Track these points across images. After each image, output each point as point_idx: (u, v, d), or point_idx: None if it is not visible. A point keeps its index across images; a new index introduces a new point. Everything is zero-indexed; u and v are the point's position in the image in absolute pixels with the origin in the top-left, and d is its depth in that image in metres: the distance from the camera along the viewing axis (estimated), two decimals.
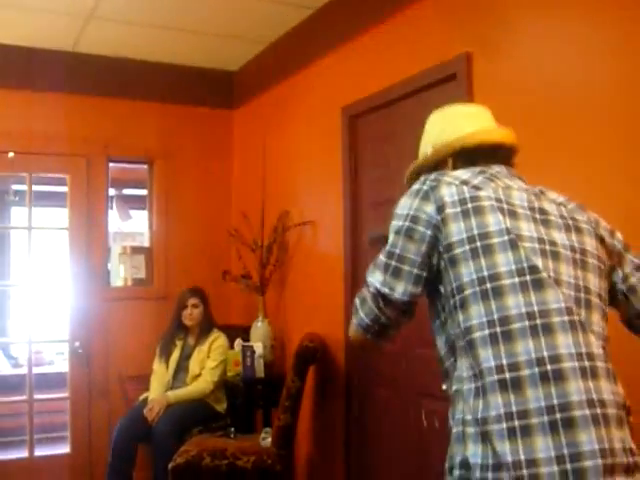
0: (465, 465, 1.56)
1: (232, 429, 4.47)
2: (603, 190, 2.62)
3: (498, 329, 1.57)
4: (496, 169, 1.83)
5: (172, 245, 5.61)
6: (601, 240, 1.80)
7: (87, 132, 5.34)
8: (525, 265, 1.61)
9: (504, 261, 1.62)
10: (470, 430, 1.57)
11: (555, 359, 1.54)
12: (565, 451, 1.47)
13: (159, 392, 4.79)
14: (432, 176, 1.76)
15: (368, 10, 4.06)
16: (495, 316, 1.58)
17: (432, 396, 3.25)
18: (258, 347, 4.73)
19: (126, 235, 6.46)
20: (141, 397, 4.89)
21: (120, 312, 5.39)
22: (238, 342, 4.93)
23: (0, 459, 5.15)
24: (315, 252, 4.62)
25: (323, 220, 4.55)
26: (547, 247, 1.67)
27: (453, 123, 1.97)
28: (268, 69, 5.26)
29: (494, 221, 1.66)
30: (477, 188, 1.71)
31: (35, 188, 5.33)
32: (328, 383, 4.49)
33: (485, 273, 1.61)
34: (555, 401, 1.50)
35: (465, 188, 1.71)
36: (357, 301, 1.80)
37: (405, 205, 1.75)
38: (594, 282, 1.70)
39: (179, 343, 5.02)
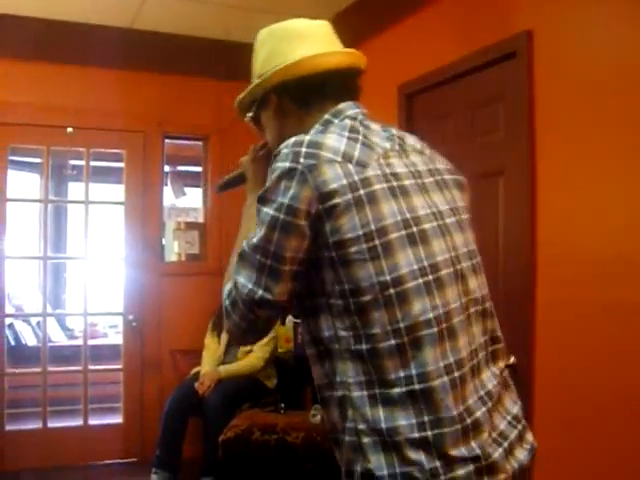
0: (369, 477, 1.41)
1: (282, 405, 4.49)
2: None
3: (406, 339, 1.40)
4: (350, 112, 1.60)
5: (226, 221, 5.63)
6: (460, 186, 1.67)
7: (143, 108, 5.39)
8: (426, 263, 1.44)
9: (405, 261, 1.42)
10: (367, 440, 1.41)
11: (459, 364, 1.44)
12: (478, 451, 1.42)
13: (211, 367, 4.84)
14: (303, 149, 1.44)
15: None
16: (401, 325, 1.40)
17: None
18: None
19: (180, 211, 6.51)
20: (193, 371, 4.95)
21: (174, 287, 5.45)
22: (289, 319, 4.94)
23: (56, 426, 5.27)
24: None
25: None
26: (440, 222, 1.51)
27: (280, 47, 1.65)
28: None
29: (389, 211, 1.43)
30: (362, 165, 1.44)
31: (92, 163, 5.40)
32: None
33: (387, 277, 1.40)
34: (461, 408, 1.42)
35: (351, 167, 1.43)
36: (227, 302, 1.51)
37: (276, 189, 1.43)
38: (472, 240, 1.62)
39: None
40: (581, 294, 2.91)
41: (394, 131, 1.62)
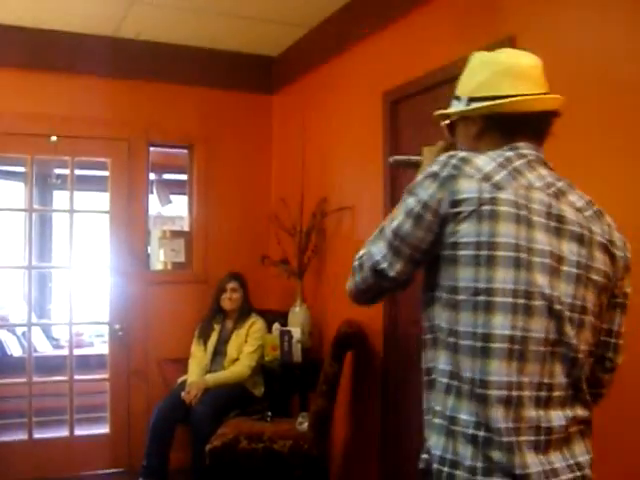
0: (428, 452, 1.68)
1: (269, 413, 4.49)
2: None
3: (478, 344, 1.58)
4: (524, 151, 1.74)
5: (212, 229, 5.64)
6: (612, 255, 1.74)
7: (128, 116, 5.38)
8: (522, 288, 1.59)
9: (502, 278, 1.58)
10: (436, 421, 1.66)
11: (519, 386, 1.58)
12: (517, 471, 1.55)
13: (197, 375, 4.84)
14: (454, 160, 1.66)
15: None
16: (479, 330, 1.59)
17: None
18: (296, 332, 4.74)
19: (166, 219, 6.50)
20: (179, 380, 4.94)
21: (159, 295, 5.43)
22: (276, 327, 4.94)
23: (42, 437, 5.24)
24: (353, 238, 4.61)
25: (362, 206, 4.53)
26: (554, 263, 1.63)
27: (496, 79, 1.79)
28: (308, 54, 5.24)
29: (505, 232, 1.59)
30: (498, 187, 1.62)
31: (77, 172, 5.37)
32: (365, 369, 4.49)
33: (482, 285, 1.59)
34: (511, 425, 1.56)
35: (485, 186, 1.62)
36: (356, 263, 1.79)
37: (420, 185, 1.69)
38: (593, 301, 1.69)
39: (217, 327, 5.05)
40: None
41: (560, 184, 1.75)
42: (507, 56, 1.86)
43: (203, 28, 5.10)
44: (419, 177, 1.72)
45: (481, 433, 1.56)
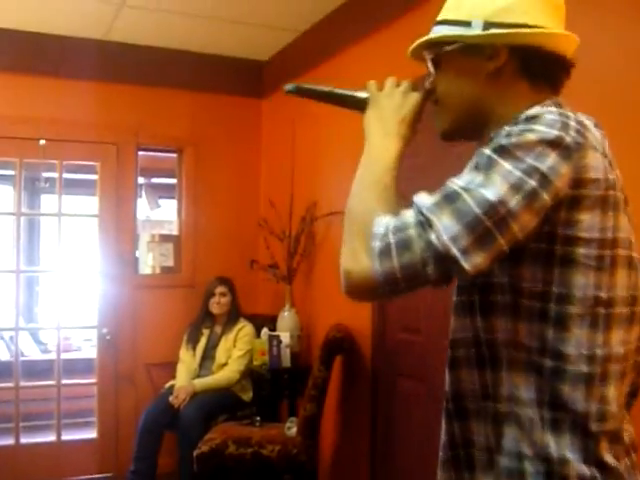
0: None
1: (257, 418, 4.48)
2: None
3: (598, 369, 1.24)
4: (569, 111, 1.32)
5: (200, 233, 5.62)
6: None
7: (117, 120, 5.37)
8: (631, 293, 1.29)
9: (621, 284, 1.26)
10: (530, 469, 1.24)
11: (623, 417, 1.32)
12: None
13: (185, 380, 4.82)
14: (573, 123, 1.23)
15: (399, 0, 4.03)
16: (598, 352, 1.24)
17: None
18: (285, 337, 4.73)
19: (155, 223, 6.50)
20: (167, 384, 4.93)
21: (148, 300, 5.42)
22: (265, 331, 4.93)
23: (28, 442, 5.20)
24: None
25: None
26: (633, 253, 1.32)
27: (529, 3, 1.37)
28: (298, 59, 5.24)
29: (622, 225, 1.27)
30: (612, 166, 1.28)
31: (65, 176, 5.36)
32: (354, 374, 4.49)
33: (604, 294, 1.23)
34: (628, 462, 1.29)
35: (607, 164, 1.25)
36: (392, 239, 1.21)
37: (532, 151, 1.19)
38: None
39: (206, 331, 5.04)
40: None
41: None
42: None
43: (193, 32, 5.09)
44: (530, 136, 1.20)
45: (597, 475, 1.22)
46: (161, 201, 8.29)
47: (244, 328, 4.99)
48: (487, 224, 1.16)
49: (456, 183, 1.22)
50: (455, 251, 1.16)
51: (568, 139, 1.20)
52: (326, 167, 4.86)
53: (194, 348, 4.99)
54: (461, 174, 1.24)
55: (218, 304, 5.00)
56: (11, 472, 4.91)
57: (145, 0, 4.49)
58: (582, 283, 1.22)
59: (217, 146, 5.72)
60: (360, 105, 1.58)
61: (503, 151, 1.20)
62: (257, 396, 4.92)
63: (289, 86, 1.69)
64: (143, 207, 7.73)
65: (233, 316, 5.04)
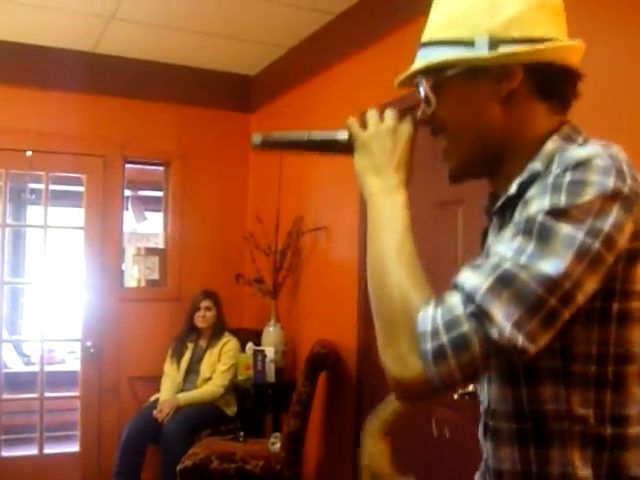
0: None
1: (241, 433, 4.46)
2: None
3: None
4: (584, 134, 1.25)
5: (186, 247, 5.62)
6: None
7: (104, 132, 5.36)
8: None
9: None
10: None
11: None
12: None
13: (170, 394, 4.80)
14: (625, 167, 1.07)
15: (387, 16, 4.05)
16: None
17: (443, 405, 3.23)
18: (269, 351, 4.73)
19: (141, 236, 6.47)
20: (151, 398, 4.90)
21: (133, 313, 5.40)
22: (249, 346, 4.92)
23: (10, 456, 5.16)
24: (329, 258, 4.62)
25: (338, 226, 4.54)
26: None
27: (539, 14, 1.20)
28: (286, 74, 5.26)
29: None
30: None
31: (51, 187, 5.34)
32: (339, 390, 4.48)
33: None
34: None
35: None
36: (445, 339, 1.03)
37: (597, 209, 1.03)
38: None
39: (191, 345, 5.03)
40: None
41: None
42: None
43: (181, 46, 5.10)
44: (585, 192, 1.03)
45: None
46: (147, 214, 8.27)
47: (229, 342, 4.98)
48: (551, 303, 1.01)
49: (507, 259, 1.04)
50: (521, 341, 1.00)
51: (626, 189, 1.05)
52: (313, 182, 4.87)
53: (178, 362, 4.98)
54: (507, 241, 1.07)
55: (203, 318, 4.99)
56: None
57: (134, 13, 4.50)
58: None
59: (204, 160, 5.72)
60: (344, 149, 1.36)
61: (557, 213, 1.03)
62: (241, 411, 4.90)
63: (255, 138, 1.43)
64: (129, 220, 7.71)
65: (218, 330, 5.03)
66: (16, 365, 8.00)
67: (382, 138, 1.30)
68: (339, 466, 4.43)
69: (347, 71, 4.49)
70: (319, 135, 1.41)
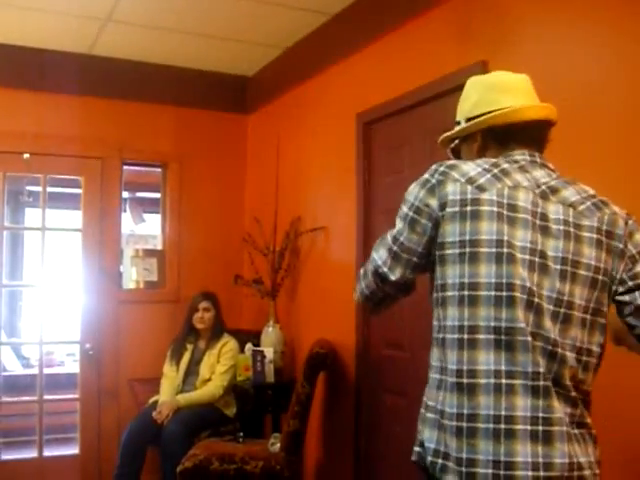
0: (422, 445, 1.73)
1: (241, 434, 4.47)
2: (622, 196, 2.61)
3: (465, 336, 1.66)
4: (517, 157, 1.85)
5: (184, 248, 5.62)
6: (607, 248, 1.74)
7: (102, 134, 5.37)
8: (504, 281, 1.66)
9: (485, 272, 1.67)
10: (429, 416, 1.73)
11: (510, 375, 1.62)
12: (502, 458, 1.59)
13: (169, 395, 4.80)
14: (442, 167, 1.80)
15: (383, 17, 4.06)
16: (465, 323, 1.67)
17: None
18: (268, 352, 4.73)
19: (139, 238, 6.47)
20: (151, 400, 4.90)
21: (131, 314, 5.40)
22: (248, 347, 4.92)
23: (9, 459, 5.16)
24: (327, 258, 4.62)
25: (335, 226, 4.54)
26: (537, 259, 1.69)
27: (487, 96, 1.93)
28: (283, 75, 5.27)
29: (487, 229, 1.69)
30: (481, 189, 1.73)
31: (49, 189, 5.34)
32: (338, 390, 4.49)
33: (466, 280, 1.68)
34: (503, 412, 1.61)
35: (469, 188, 1.73)
36: (361, 270, 1.93)
37: (412, 193, 1.81)
38: (581, 295, 1.70)
39: (190, 347, 5.02)
40: None
41: (554, 182, 1.82)
42: (495, 75, 2.03)
43: (178, 47, 5.11)
44: (412, 186, 1.83)
45: (464, 424, 1.63)
46: (145, 215, 8.27)
47: (228, 343, 4.98)
48: (395, 248, 1.81)
49: (390, 230, 1.86)
50: (384, 269, 1.83)
51: (433, 180, 1.78)
52: (311, 183, 4.88)
53: (178, 363, 4.97)
54: None
55: (202, 319, 4.99)
56: None
57: (130, 15, 4.50)
58: (451, 273, 1.71)
59: (202, 161, 5.73)
60: None
61: (403, 200, 1.84)
62: (241, 412, 4.90)
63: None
64: (127, 221, 7.72)
65: (217, 331, 5.03)
66: (15, 368, 8.00)
67: None
68: (339, 465, 4.43)
69: (344, 71, 4.49)
70: None
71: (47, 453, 5.22)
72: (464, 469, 1.60)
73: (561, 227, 1.73)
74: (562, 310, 1.68)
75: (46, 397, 5.30)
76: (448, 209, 1.72)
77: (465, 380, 1.64)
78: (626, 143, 2.64)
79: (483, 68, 3.22)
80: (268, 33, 4.82)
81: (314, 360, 4.23)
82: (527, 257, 1.68)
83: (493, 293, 1.66)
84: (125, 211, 6.87)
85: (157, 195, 5.99)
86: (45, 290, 5.45)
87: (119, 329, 5.34)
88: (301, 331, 4.93)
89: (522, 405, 1.61)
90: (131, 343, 5.34)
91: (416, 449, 1.76)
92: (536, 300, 1.66)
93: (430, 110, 3.68)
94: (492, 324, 1.64)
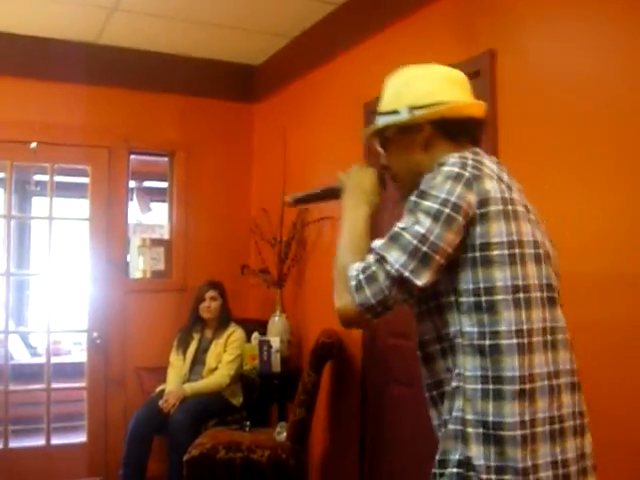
0: (466, 465, 1.58)
1: (247, 423, 4.48)
2: (622, 187, 2.60)
3: (525, 340, 1.60)
4: (480, 151, 1.80)
5: (191, 238, 5.62)
6: (539, 223, 1.82)
7: (109, 124, 5.37)
8: (544, 282, 1.68)
9: (533, 274, 1.65)
10: (472, 430, 1.59)
11: (557, 375, 1.65)
12: (559, 457, 1.60)
13: (175, 384, 4.81)
14: (470, 161, 1.67)
15: (391, 6, 4.04)
16: (524, 327, 1.61)
17: None
18: (275, 342, 4.74)
19: (146, 227, 6.49)
20: (157, 389, 4.91)
21: (138, 304, 5.41)
22: (255, 336, 4.93)
23: (17, 447, 5.18)
24: (333, 248, 4.60)
25: None
26: (541, 251, 1.72)
27: (437, 86, 1.85)
28: (290, 64, 5.26)
29: (526, 230, 1.68)
30: (509, 187, 1.71)
31: (56, 179, 5.35)
32: (344, 379, 4.49)
33: (520, 282, 1.62)
34: (555, 413, 1.62)
35: (502, 186, 1.68)
36: (361, 277, 1.61)
37: (445, 188, 1.61)
38: (554, 275, 1.78)
39: (196, 336, 5.03)
40: None
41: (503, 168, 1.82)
42: (441, 67, 1.94)
43: (185, 36, 5.10)
44: (438, 178, 1.64)
45: (528, 431, 1.57)
46: (152, 205, 8.28)
47: (234, 333, 4.99)
48: (425, 249, 1.58)
49: (398, 226, 1.63)
50: (407, 274, 1.57)
51: (467, 174, 1.63)
52: (317, 172, 4.86)
53: (184, 352, 4.98)
54: (402, 219, 1.65)
55: (208, 308, 5.00)
56: (0, 476, 4.89)
57: (137, 4, 4.49)
58: (501, 276, 1.61)
59: (208, 150, 5.72)
60: (338, 194, 1.97)
61: (422, 195, 1.63)
62: (247, 401, 4.91)
63: (289, 199, 2.22)
64: (134, 211, 7.73)
65: (223, 321, 5.03)
66: (23, 356, 8.03)
67: (355, 177, 1.95)
68: (344, 454, 4.44)
69: (351, 61, 4.48)
70: (326, 188, 2.07)
71: (55, 441, 5.24)
72: (531, 477, 1.55)
73: (532, 216, 1.76)
74: (554, 295, 1.74)
75: (54, 386, 5.32)
76: (491, 207, 1.62)
77: (527, 386, 1.59)
78: (637, 135, 2.63)
79: (491, 57, 3.22)
80: (275, 22, 4.80)
81: (320, 350, 4.23)
82: (540, 251, 1.71)
83: (539, 295, 1.66)
84: (132, 200, 6.87)
85: (164, 184, 6.00)
86: (52, 279, 5.46)
87: (126, 318, 5.35)
88: (307, 320, 4.93)
89: (567, 402, 1.65)
90: (138, 332, 5.35)
91: (453, 470, 1.60)
92: (555, 295, 1.73)
93: None
94: (542, 325, 1.64)
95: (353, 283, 1.62)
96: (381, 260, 1.60)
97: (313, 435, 4.51)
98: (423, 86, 1.86)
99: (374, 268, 1.61)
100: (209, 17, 4.72)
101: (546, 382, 1.61)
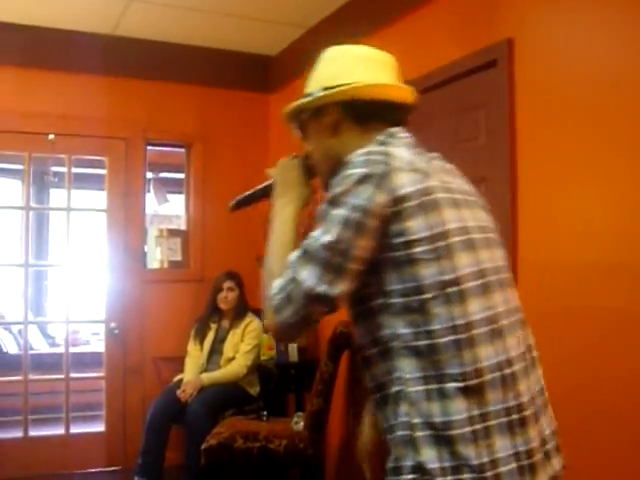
0: (420, 470, 1.48)
1: (265, 412, 4.49)
2: None
3: (463, 335, 1.48)
4: (403, 134, 1.68)
5: (208, 228, 5.63)
6: (485, 207, 1.74)
7: (126, 115, 5.38)
8: (478, 268, 1.55)
9: (464, 263, 1.52)
10: (421, 434, 1.48)
11: (509, 363, 1.54)
12: (521, 448, 1.51)
13: (193, 374, 4.83)
14: (376, 156, 1.53)
15: None
16: (460, 321, 1.49)
17: None
18: None
19: (163, 218, 6.51)
20: (175, 378, 4.93)
21: (156, 294, 5.43)
22: None
23: (37, 435, 5.24)
24: None
25: None
26: (484, 235, 1.62)
27: (350, 67, 1.74)
28: (306, 54, 5.19)
29: (450, 217, 1.53)
30: (426, 174, 1.55)
31: (74, 170, 5.38)
32: (361, 368, 4.49)
33: (449, 276, 1.50)
34: (512, 403, 1.51)
35: (418, 176, 1.53)
36: (279, 297, 1.54)
37: (352, 193, 1.50)
38: (502, 256, 1.68)
39: (214, 326, 5.05)
40: (562, 300, 2.92)
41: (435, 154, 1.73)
42: (361, 47, 1.84)
43: (201, 27, 5.10)
44: (340, 185, 1.53)
45: (478, 426, 1.46)
46: (169, 196, 8.30)
47: (252, 323, 5.00)
48: (336, 259, 1.48)
49: (311, 236, 1.54)
50: (321, 289, 1.48)
51: (375, 172, 1.49)
52: None
53: (202, 342, 5.00)
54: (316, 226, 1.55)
55: (226, 299, 5.01)
56: (19, 464, 4.93)
57: None
58: (427, 273, 1.49)
59: (225, 141, 5.73)
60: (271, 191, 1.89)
61: (332, 202, 1.53)
62: (264, 390, 4.93)
63: (230, 205, 2.13)
64: (151, 202, 7.75)
65: (241, 311, 5.05)
66: (42, 346, 8.11)
67: (279, 172, 1.87)
68: None
69: None
70: (261, 187, 2.00)
71: (73, 430, 5.29)
72: (489, 473, 1.45)
73: (470, 198, 1.67)
74: (503, 276, 1.64)
75: (72, 375, 5.37)
76: (406, 204, 1.49)
77: (474, 381, 1.47)
78: None
79: (509, 46, 3.20)
80: (291, 12, 4.79)
81: (338, 339, 4.23)
82: (480, 235, 1.60)
83: (476, 283, 1.53)
84: (149, 191, 6.89)
85: (181, 175, 6.01)
86: (70, 270, 5.51)
87: (144, 308, 5.38)
88: None
89: (524, 389, 1.55)
90: (155, 322, 5.37)
91: (408, 477, 1.50)
92: (502, 276, 1.61)
93: (455, 89, 3.65)
94: (486, 314, 1.52)
95: (273, 304, 1.55)
96: (294, 279, 1.52)
97: (330, 424, 4.52)
98: (334, 67, 1.76)
99: (289, 288, 1.53)
100: (225, 7, 4.71)
101: (497, 373, 1.50)
